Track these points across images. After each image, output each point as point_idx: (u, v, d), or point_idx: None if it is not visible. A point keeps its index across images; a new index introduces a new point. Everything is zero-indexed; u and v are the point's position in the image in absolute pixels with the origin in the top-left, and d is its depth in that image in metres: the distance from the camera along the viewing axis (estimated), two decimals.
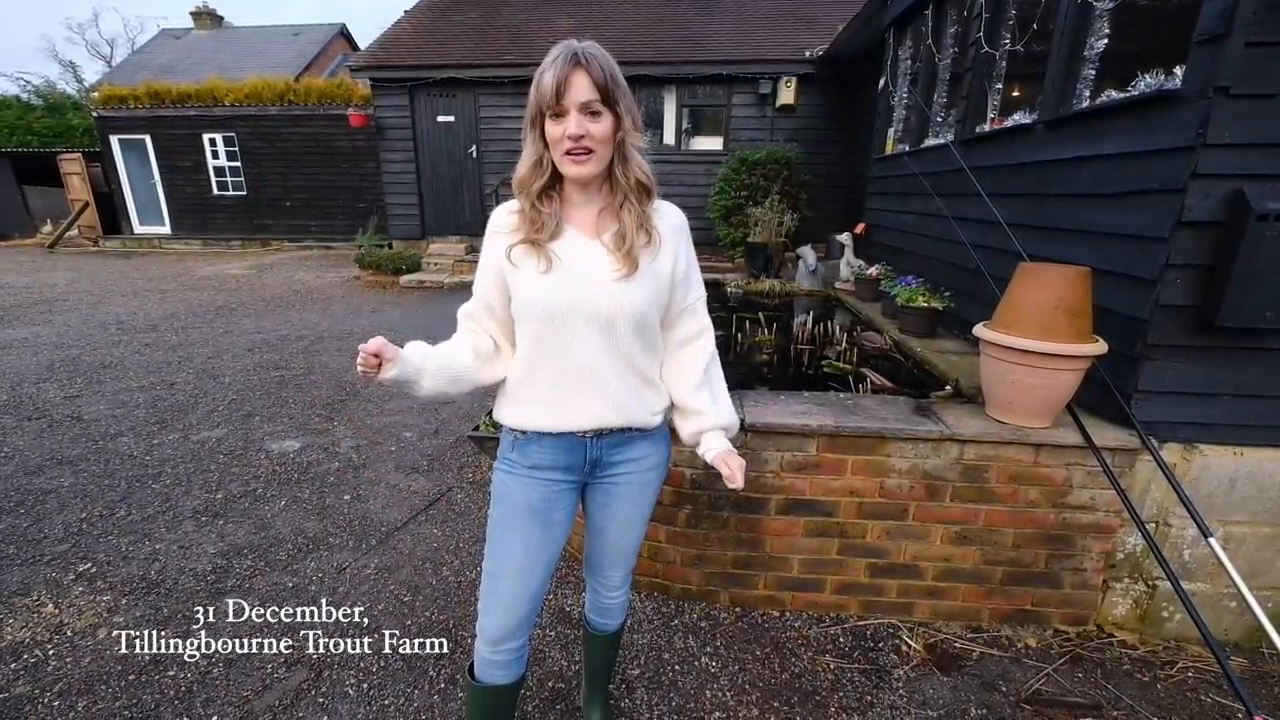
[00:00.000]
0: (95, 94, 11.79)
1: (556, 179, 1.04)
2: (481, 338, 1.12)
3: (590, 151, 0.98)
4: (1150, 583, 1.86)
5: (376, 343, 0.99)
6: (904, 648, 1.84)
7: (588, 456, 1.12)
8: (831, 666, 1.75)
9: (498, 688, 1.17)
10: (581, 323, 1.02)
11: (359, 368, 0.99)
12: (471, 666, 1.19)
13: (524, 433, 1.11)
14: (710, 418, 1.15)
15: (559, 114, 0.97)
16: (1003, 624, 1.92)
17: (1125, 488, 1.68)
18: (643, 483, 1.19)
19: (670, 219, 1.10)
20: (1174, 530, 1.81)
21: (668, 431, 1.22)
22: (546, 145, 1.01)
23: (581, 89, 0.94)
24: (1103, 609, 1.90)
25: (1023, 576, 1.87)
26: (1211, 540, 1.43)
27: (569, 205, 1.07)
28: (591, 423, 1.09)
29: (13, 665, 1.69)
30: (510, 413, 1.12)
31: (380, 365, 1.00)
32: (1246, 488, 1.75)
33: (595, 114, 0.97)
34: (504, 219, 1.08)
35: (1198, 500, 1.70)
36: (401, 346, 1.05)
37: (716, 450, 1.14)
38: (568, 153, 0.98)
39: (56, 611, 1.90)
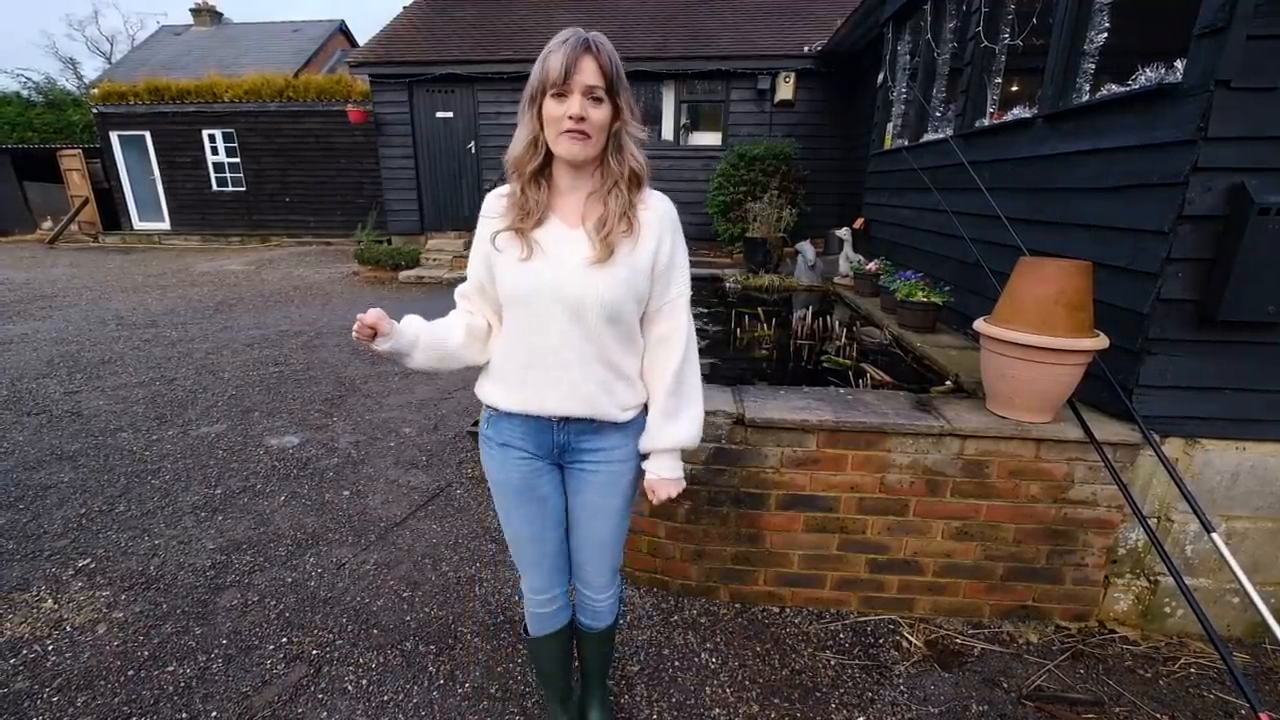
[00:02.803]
0: (95, 90, 11.76)
1: (547, 163, 1.06)
2: (476, 318, 1.17)
3: (588, 135, 1.00)
4: (1152, 578, 1.86)
5: (374, 314, 1.04)
6: (905, 644, 1.83)
7: (555, 440, 1.15)
8: (832, 663, 1.75)
9: (553, 634, 1.34)
10: (553, 308, 1.05)
11: (354, 333, 1.04)
12: (525, 628, 1.38)
13: (496, 410, 1.15)
14: (657, 439, 1.14)
15: (563, 94, 0.98)
16: (1004, 620, 1.92)
17: (1127, 483, 1.67)
18: (613, 474, 1.18)
19: (656, 209, 1.09)
20: (1176, 525, 1.80)
21: (642, 426, 1.21)
22: (542, 126, 1.02)
23: (589, 73, 0.97)
24: (1104, 604, 1.90)
25: (1024, 572, 1.87)
26: (1214, 535, 1.43)
27: (556, 193, 1.08)
28: (555, 409, 1.11)
29: (12, 661, 1.69)
30: (486, 389, 1.18)
31: (375, 336, 1.05)
32: (1249, 482, 1.74)
33: (598, 100, 0.99)
34: (494, 203, 1.11)
35: (1200, 495, 1.69)
36: (399, 320, 1.12)
37: (654, 474, 1.17)
38: (566, 131, 0.99)
39: (56, 607, 1.90)
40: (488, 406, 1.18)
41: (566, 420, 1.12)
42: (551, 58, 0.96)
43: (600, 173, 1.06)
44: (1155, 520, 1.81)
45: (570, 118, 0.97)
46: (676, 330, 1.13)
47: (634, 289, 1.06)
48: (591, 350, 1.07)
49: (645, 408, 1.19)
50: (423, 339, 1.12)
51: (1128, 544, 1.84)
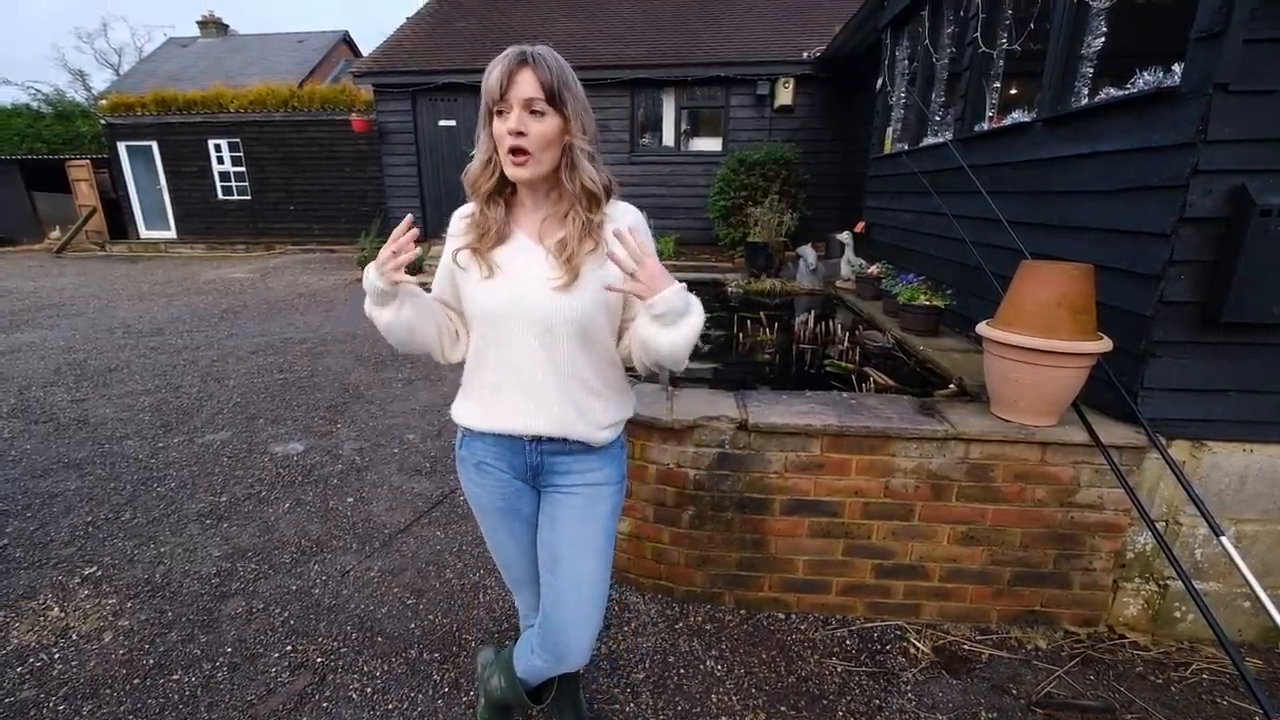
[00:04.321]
0: (103, 102, 11.92)
1: (507, 181, 1.04)
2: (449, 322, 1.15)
3: (529, 154, 0.96)
4: (1161, 582, 1.84)
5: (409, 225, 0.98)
6: (912, 650, 1.82)
7: (528, 461, 1.12)
8: (839, 669, 1.74)
9: None
10: (520, 329, 1.03)
11: (390, 253, 0.97)
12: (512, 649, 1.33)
13: (470, 430, 1.14)
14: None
15: (503, 110, 0.96)
16: (1012, 625, 1.91)
17: (1134, 486, 1.66)
18: (592, 496, 1.13)
19: (621, 222, 1.03)
20: (1184, 529, 1.79)
21: (620, 453, 1.19)
22: (496, 147, 1.00)
23: (526, 86, 0.94)
24: (1113, 609, 1.88)
25: (1031, 577, 1.85)
26: (1223, 539, 1.42)
27: (520, 209, 1.07)
28: (525, 428, 1.08)
29: (19, 669, 1.69)
30: (460, 410, 1.16)
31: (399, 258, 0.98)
32: (1258, 485, 1.73)
33: (539, 114, 0.95)
34: (457, 223, 1.10)
35: (1208, 498, 1.68)
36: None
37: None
38: (510, 151, 0.96)
39: (62, 615, 1.91)
40: (461, 426, 1.16)
41: (539, 440, 1.09)
42: (491, 75, 0.95)
43: (558, 194, 1.04)
44: (1163, 524, 1.80)
45: (510, 132, 0.95)
46: None
47: (606, 306, 1.04)
48: (562, 369, 1.05)
49: (623, 426, 1.16)
50: (422, 296, 1.08)
51: (1136, 548, 1.83)
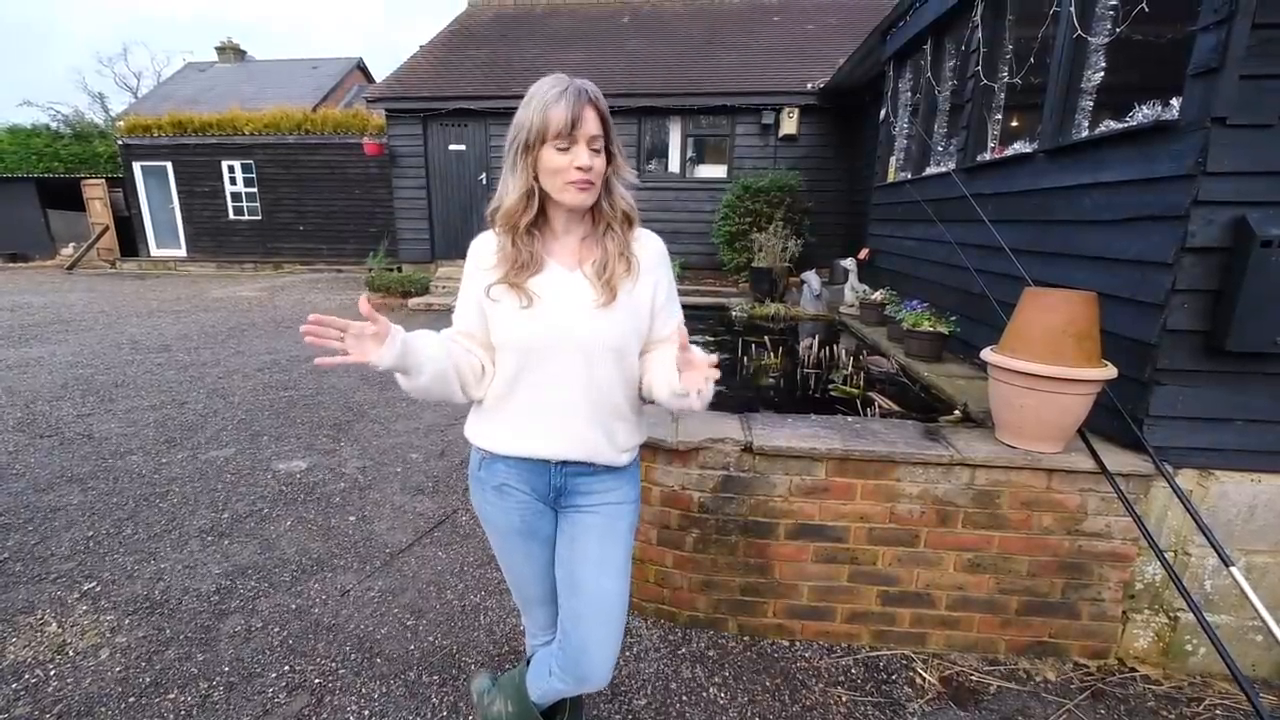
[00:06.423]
0: (121, 123, 12.24)
1: (540, 211, 1.04)
2: (473, 356, 1.11)
3: (592, 184, 1.02)
4: (1172, 614, 1.81)
5: (365, 305, 0.95)
6: (918, 680, 1.78)
7: (551, 483, 1.13)
8: (844, 699, 1.70)
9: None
10: (560, 355, 1.04)
11: (315, 338, 0.94)
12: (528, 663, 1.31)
13: (491, 453, 1.13)
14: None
15: (566, 146, 0.98)
16: (1020, 656, 1.87)
17: (1141, 514, 1.65)
18: (612, 515, 1.15)
19: (651, 249, 1.11)
20: (1194, 559, 1.77)
21: (636, 472, 1.22)
22: (536, 176, 1.01)
23: (592, 124, 0.99)
24: (1123, 641, 1.85)
25: (1039, 606, 1.83)
26: (1234, 570, 1.40)
27: (551, 236, 1.08)
28: (556, 453, 1.09)
29: (14, 685, 1.67)
30: (480, 433, 1.14)
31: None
32: (1266, 515, 1.72)
33: (597, 150, 1.01)
34: (485, 255, 1.07)
35: (1217, 528, 1.67)
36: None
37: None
38: (572, 182, 1.00)
39: (60, 631, 1.89)
40: (480, 449, 1.14)
41: (565, 463, 1.11)
42: (553, 109, 0.95)
43: (593, 215, 1.08)
44: (1172, 554, 1.78)
45: (579, 169, 0.98)
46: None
47: (637, 327, 1.08)
48: (595, 393, 1.07)
49: (639, 450, 1.19)
50: (439, 351, 1.03)
51: (1145, 578, 1.81)
